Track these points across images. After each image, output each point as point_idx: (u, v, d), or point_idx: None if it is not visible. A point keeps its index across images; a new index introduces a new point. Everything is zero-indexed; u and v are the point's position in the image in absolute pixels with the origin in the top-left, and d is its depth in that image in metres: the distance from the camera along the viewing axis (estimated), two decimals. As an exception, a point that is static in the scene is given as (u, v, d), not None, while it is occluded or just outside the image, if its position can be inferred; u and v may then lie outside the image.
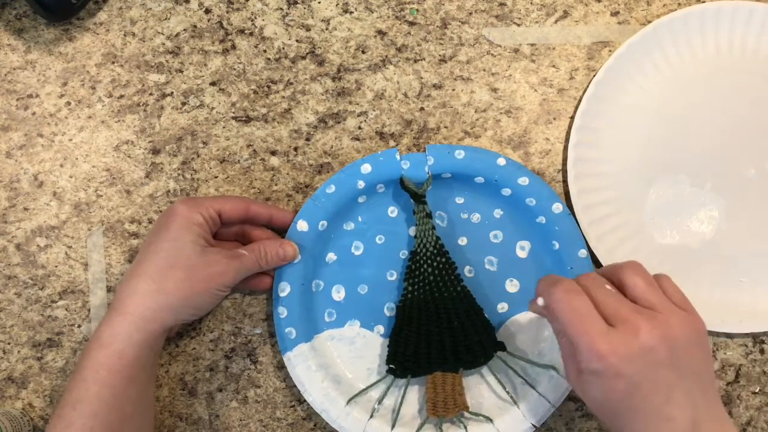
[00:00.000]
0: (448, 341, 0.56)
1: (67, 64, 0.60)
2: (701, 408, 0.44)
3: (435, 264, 0.58)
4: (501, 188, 0.58)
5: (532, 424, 0.56)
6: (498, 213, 0.59)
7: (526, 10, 0.61)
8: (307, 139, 0.60)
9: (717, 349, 0.60)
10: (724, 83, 0.60)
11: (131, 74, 0.60)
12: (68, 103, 0.60)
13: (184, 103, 0.60)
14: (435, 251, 0.58)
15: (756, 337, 0.60)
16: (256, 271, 0.55)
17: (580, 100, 0.60)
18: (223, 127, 0.60)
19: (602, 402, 0.45)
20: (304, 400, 0.58)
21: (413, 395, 0.58)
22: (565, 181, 0.60)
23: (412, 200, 0.58)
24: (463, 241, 0.59)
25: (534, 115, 0.61)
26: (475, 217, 0.59)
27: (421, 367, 0.56)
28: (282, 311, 0.57)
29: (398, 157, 0.57)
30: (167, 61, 0.60)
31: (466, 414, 0.56)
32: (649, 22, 0.60)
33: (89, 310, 0.59)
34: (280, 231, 0.58)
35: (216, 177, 0.60)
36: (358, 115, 0.61)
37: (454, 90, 0.61)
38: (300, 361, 0.56)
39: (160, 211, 0.60)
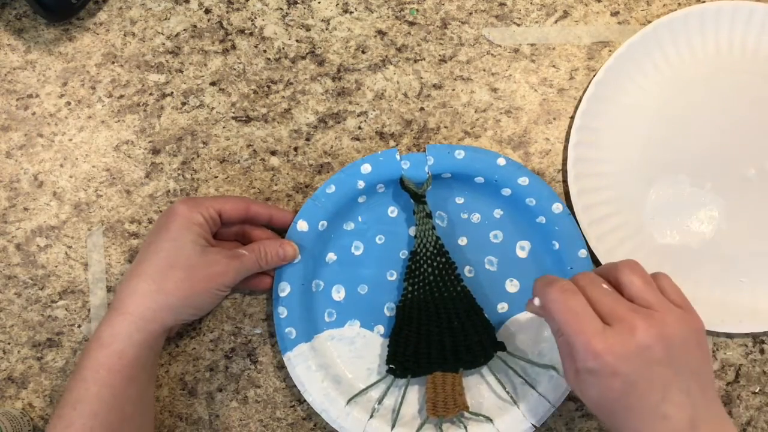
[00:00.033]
0: (448, 341, 0.56)
1: (67, 64, 0.60)
2: (699, 407, 0.44)
3: (435, 264, 0.58)
4: (501, 188, 0.58)
5: (532, 424, 0.56)
6: (498, 213, 0.59)
7: (526, 10, 0.61)
8: (307, 139, 0.60)
9: (717, 349, 0.60)
10: (724, 83, 0.60)
11: (131, 74, 0.60)
12: (68, 103, 0.60)
13: (184, 103, 0.60)
14: (435, 251, 0.58)
15: (756, 337, 0.60)
16: (256, 271, 0.55)
17: (580, 100, 0.60)
18: (223, 127, 0.60)
19: (599, 401, 0.45)
20: (304, 400, 0.58)
21: (413, 395, 0.58)
22: (565, 181, 0.60)
23: (412, 200, 0.58)
24: (463, 241, 0.59)
25: (534, 115, 0.61)
26: (475, 217, 0.59)
27: (421, 367, 0.56)
28: (282, 311, 0.57)
29: (398, 157, 0.57)
30: (167, 61, 0.60)
31: (466, 414, 0.56)
32: (649, 22, 0.60)
33: (89, 310, 0.59)
34: (280, 231, 0.58)
35: (216, 177, 0.60)
36: (358, 115, 0.61)
37: (454, 90, 0.61)
38: (300, 361, 0.56)
39: (160, 211, 0.60)
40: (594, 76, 0.60)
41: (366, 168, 0.57)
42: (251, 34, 0.61)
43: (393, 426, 0.56)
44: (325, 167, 0.60)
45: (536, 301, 0.48)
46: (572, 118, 0.60)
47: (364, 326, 0.59)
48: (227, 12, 0.61)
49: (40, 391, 0.59)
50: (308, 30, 0.61)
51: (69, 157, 0.60)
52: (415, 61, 0.61)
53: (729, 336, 0.60)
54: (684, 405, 0.43)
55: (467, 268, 0.59)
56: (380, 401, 0.57)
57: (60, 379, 0.59)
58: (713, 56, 0.60)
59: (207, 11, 0.61)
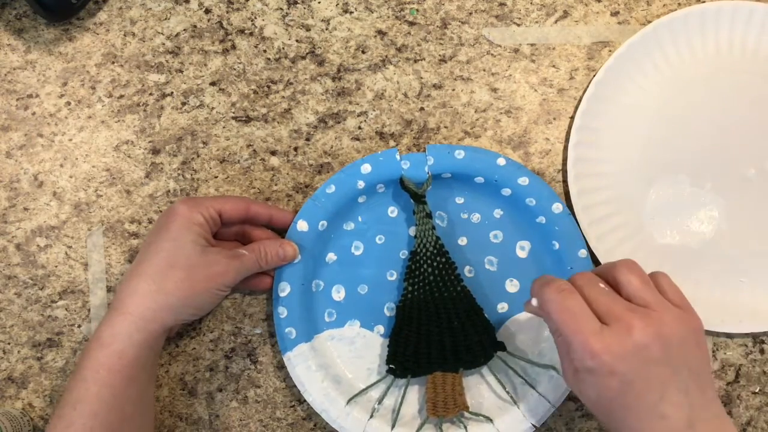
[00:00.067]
0: (448, 341, 0.56)
1: (67, 64, 0.60)
2: (697, 407, 0.44)
3: (435, 264, 0.58)
4: (501, 188, 0.58)
5: (532, 424, 0.56)
6: (498, 213, 0.59)
7: (526, 10, 0.61)
8: (307, 139, 0.60)
9: (717, 349, 0.60)
10: (724, 83, 0.60)
11: (131, 74, 0.60)
12: (68, 103, 0.60)
13: (184, 103, 0.60)
14: (435, 251, 0.58)
15: (756, 337, 0.60)
16: (256, 271, 0.55)
17: (580, 100, 0.60)
18: (223, 127, 0.60)
19: (597, 400, 0.45)
20: (304, 400, 0.58)
21: (413, 395, 0.58)
22: (565, 181, 0.60)
23: (412, 200, 0.58)
24: (463, 241, 0.59)
25: (534, 115, 0.61)
26: (475, 217, 0.59)
27: (421, 367, 0.56)
28: (282, 311, 0.57)
29: (398, 157, 0.57)
30: (167, 61, 0.60)
31: (466, 414, 0.56)
32: (649, 22, 0.60)
33: (89, 310, 0.59)
34: (280, 231, 0.58)
35: (216, 177, 0.60)
36: (358, 115, 0.61)
37: (454, 90, 0.61)
38: (300, 361, 0.56)
39: (160, 211, 0.60)
40: (594, 76, 0.60)
41: (366, 168, 0.57)
42: (251, 34, 0.61)
43: (393, 426, 0.56)
44: (325, 167, 0.60)
45: (534, 302, 0.48)
46: (572, 118, 0.60)
47: (364, 326, 0.59)
48: (227, 12, 0.61)
49: (40, 391, 0.59)
50: (308, 30, 0.61)
51: (69, 157, 0.60)
52: (415, 61, 0.61)
53: (729, 336, 0.60)
54: (682, 404, 0.43)
55: (467, 268, 0.59)
56: (380, 401, 0.57)
57: (60, 379, 0.59)
58: (713, 56, 0.60)
59: (207, 11, 0.61)
